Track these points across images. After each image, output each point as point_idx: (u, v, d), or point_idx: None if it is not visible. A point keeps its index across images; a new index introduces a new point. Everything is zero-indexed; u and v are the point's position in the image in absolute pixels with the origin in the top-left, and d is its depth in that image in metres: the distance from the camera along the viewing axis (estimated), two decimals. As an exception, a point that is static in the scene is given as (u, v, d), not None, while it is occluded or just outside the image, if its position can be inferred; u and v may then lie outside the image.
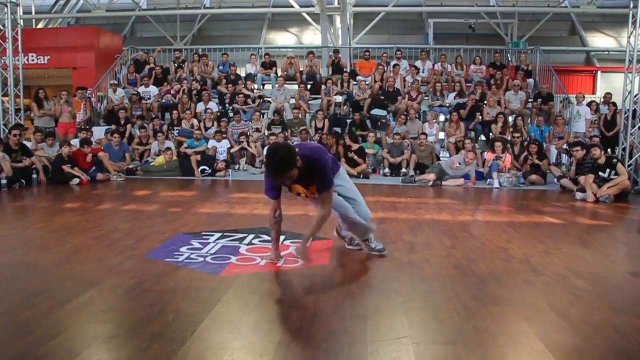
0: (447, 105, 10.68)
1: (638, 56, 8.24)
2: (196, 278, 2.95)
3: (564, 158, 9.48)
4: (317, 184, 3.11)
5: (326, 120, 10.09)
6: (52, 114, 9.95)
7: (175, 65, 11.96)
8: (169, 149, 9.02)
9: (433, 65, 11.84)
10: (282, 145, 3.03)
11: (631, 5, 8.27)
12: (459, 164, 8.31)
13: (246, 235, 4.07)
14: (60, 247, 3.70)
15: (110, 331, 2.20)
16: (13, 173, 7.09)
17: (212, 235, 4.07)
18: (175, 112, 10.34)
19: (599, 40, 17.25)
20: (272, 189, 3.15)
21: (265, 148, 3.16)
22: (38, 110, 9.69)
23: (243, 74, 11.94)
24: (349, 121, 10.39)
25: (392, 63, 11.61)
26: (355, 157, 8.87)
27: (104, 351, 2.02)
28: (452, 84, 11.04)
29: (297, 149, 3.00)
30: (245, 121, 10.31)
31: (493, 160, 8.30)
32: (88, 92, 10.72)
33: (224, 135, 9.74)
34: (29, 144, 8.26)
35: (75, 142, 8.62)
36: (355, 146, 9.08)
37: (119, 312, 2.49)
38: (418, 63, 11.75)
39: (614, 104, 9.78)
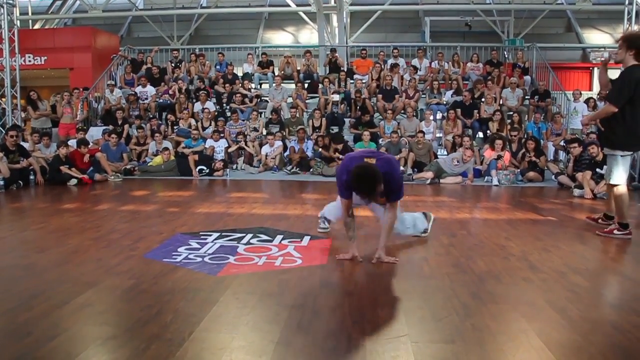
0: (445, 103, 10.69)
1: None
2: (194, 278, 2.94)
3: (562, 155, 9.49)
4: (389, 195, 3.22)
5: (324, 119, 10.09)
6: (48, 114, 9.92)
7: (173, 65, 11.94)
8: (166, 149, 9.00)
9: (430, 63, 11.85)
10: (373, 172, 2.95)
11: (626, 2, 8.29)
12: (457, 161, 8.31)
13: (244, 235, 4.07)
14: (58, 248, 3.69)
15: (109, 332, 2.20)
16: (10, 174, 7.09)
17: (210, 235, 4.06)
18: (172, 112, 10.34)
19: (595, 37, 17.30)
20: (346, 188, 3.16)
21: (355, 165, 3.14)
22: (34, 111, 9.66)
23: (240, 74, 11.94)
24: (347, 120, 10.40)
25: (391, 62, 11.60)
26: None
27: (102, 353, 2.02)
28: (449, 81, 11.06)
29: (375, 160, 3.08)
30: (243, 121, 10.30)
31: (493, 158, 8.30)
32: (86, 92, 10.70)
33: (222, 135, 9.73)
34: (26, 145, 8.25)
35: (73, 143, 8.60)
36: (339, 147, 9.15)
37: (117, 313, 2.48)
38: (415, 61, 11.76)
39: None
